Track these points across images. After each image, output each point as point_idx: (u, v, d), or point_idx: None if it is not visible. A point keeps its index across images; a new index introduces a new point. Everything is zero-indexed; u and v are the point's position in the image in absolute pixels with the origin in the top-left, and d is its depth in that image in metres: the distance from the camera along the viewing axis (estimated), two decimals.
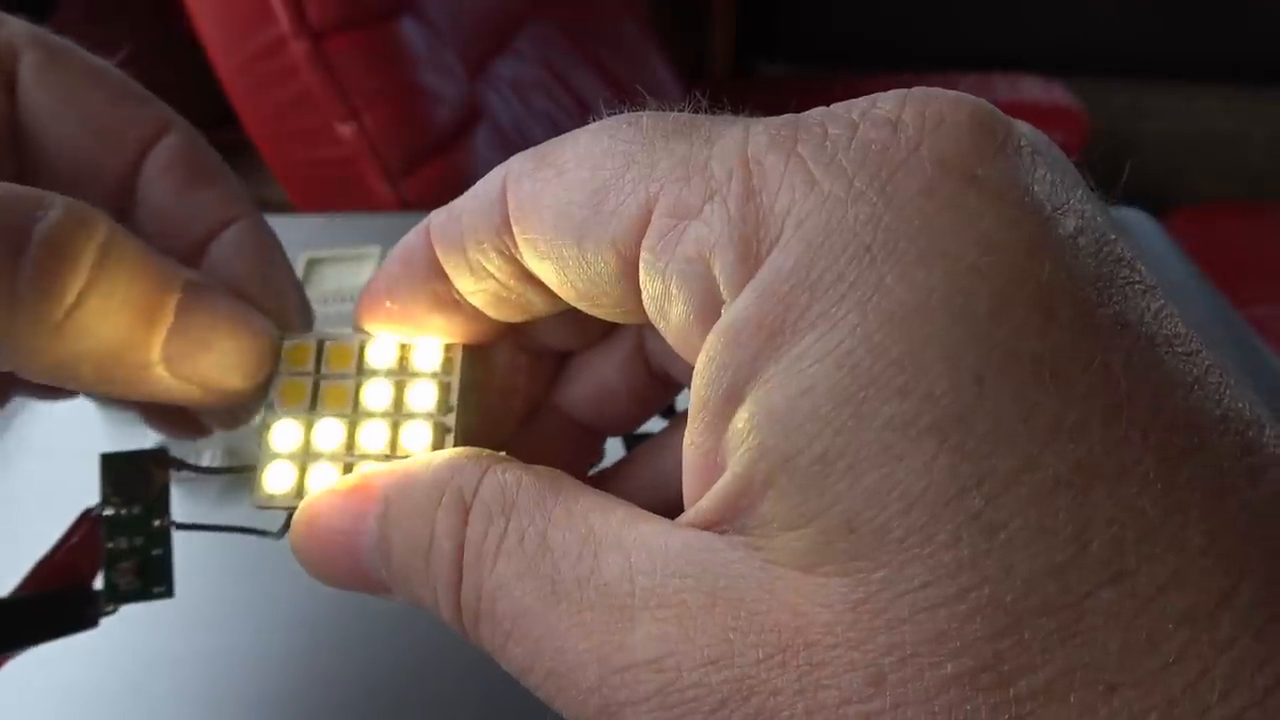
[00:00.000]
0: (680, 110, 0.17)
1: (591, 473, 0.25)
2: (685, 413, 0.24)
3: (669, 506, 0.16)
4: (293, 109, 0.81)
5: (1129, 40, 1.52)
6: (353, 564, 0.18)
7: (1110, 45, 1.52)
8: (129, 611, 0.23)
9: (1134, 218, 0.60)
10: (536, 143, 0.18)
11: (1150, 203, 0.59)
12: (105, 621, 0.24)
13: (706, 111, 0.17)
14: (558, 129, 0.18)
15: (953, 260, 0.13)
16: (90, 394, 0.24)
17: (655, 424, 0.25)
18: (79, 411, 0.46)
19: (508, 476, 0.17)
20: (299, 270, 0.50)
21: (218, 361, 0.20)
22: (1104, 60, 1.51)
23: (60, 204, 0.18)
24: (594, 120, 0.18)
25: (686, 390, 0.22)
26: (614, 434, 0.25)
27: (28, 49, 0.22)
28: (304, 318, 0.23)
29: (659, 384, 0.23)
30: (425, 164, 0.85)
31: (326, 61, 0.79)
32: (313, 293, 0.50)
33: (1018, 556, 0.12)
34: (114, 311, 0.19)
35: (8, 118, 0.22)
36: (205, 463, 0.39)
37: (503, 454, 0.18)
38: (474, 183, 0.19)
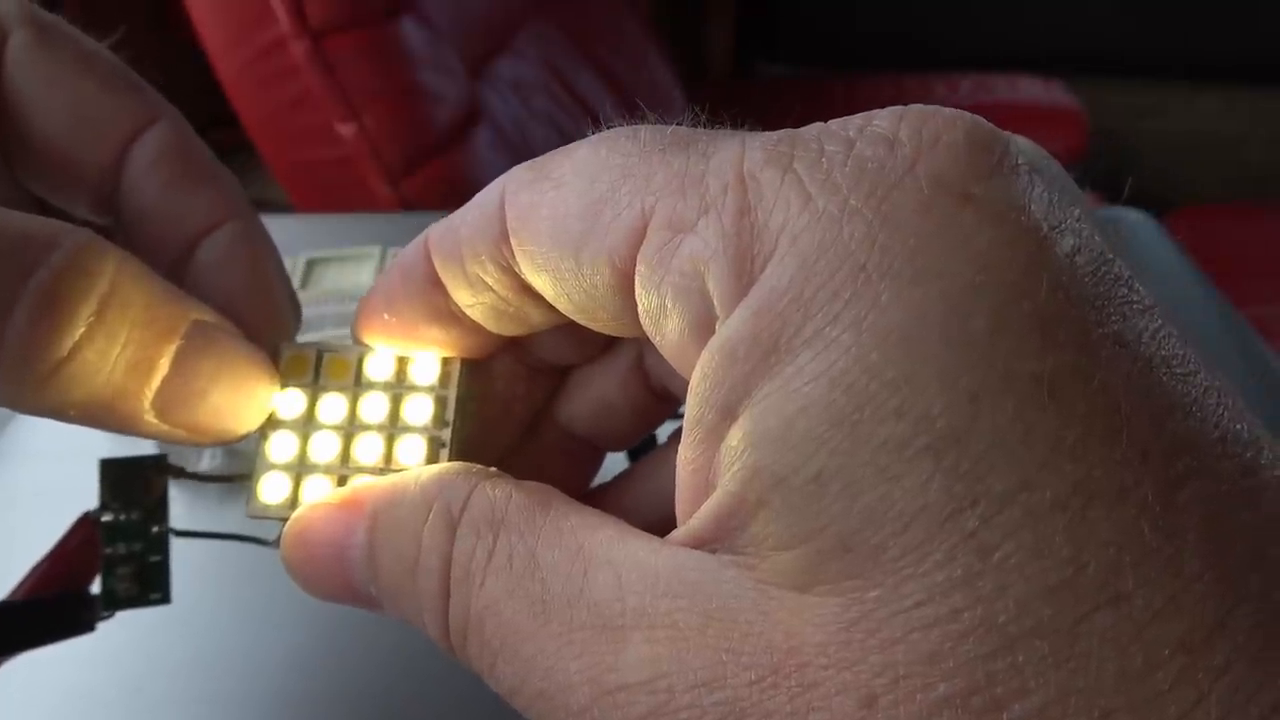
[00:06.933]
0: (679, 123, 0.17)
1: (590, 488, 0.25)
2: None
3: (667, 523, 0.16)
4: (293, 109, 0.81)
5: (1129, 40, 1.51)
6: (342, 578, 0.18)
7: (1110, 45, 1.52)
8: (125, 617, 0.23)
9: (1134, 218, 0.60)
10: (537, 143, 0.18)
11: (1150, 203, 0.59)
12: (102, 626, 0.24)
13: (705, 123, 0.17)
14: (558, 129, 0.18)
15: (948, 279, 0.13)
16: None
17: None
18: None
19: (497, 492, 0.17)
20: (299, 270, 0.50)
21: (213, 412, 0.19)
22: (1104, 60, 1.50)
23: (67, 247, 0.17)
24: (593, 122, 0.18)
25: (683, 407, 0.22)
26: (613, 449, 0.25)
27: (18, 27, 0.21)
28: (296, 326, 0.22)
29: (658, 399, 0.23)
30: (425, 164, 0.84)
31: (326, 61, 0.78)
32: (313, 293, 0.49)
33: (1012, 578, 0.12)
34: (107, 365, 0.18)
35: None
36: (204, 464, 0.39)
37: (493, 469, 0.18)
38: (474, 183, 0.19)
